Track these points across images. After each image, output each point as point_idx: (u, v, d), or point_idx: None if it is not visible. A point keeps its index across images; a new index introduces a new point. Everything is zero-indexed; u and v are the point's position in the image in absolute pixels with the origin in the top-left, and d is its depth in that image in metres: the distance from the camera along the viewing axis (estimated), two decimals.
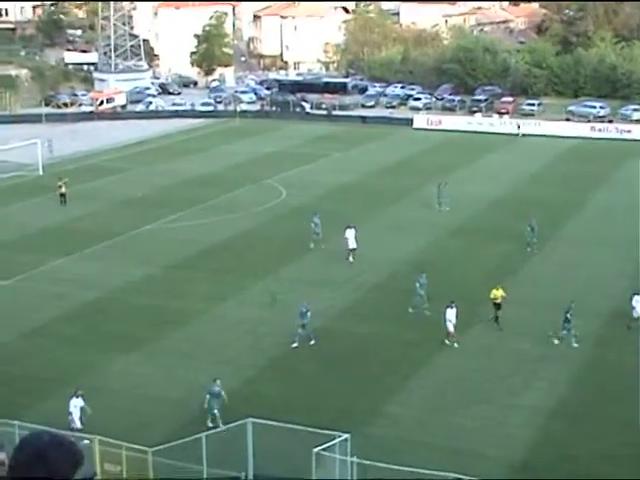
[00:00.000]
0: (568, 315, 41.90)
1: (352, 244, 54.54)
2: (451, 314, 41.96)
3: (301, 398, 37.08)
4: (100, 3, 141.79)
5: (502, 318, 44.23)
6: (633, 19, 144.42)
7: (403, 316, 46.11)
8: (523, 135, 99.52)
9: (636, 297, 43.94)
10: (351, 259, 54.45)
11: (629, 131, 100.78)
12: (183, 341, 43.26)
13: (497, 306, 44.42)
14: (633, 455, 32.58)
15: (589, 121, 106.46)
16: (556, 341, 42.12)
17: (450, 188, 67.37)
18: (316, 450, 28.77)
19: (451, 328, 41.91)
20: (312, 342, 42.38)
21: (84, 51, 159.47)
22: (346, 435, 29.58)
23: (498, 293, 44.49)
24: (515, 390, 37.98)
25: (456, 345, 41.90)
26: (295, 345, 42.10)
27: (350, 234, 54.57)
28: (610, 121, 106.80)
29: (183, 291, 50.28)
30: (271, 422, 31.44)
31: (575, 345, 41.82)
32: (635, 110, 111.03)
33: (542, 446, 33.38)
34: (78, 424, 33.00)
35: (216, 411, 33.88)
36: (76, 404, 33.41)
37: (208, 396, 34.20)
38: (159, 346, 42.65)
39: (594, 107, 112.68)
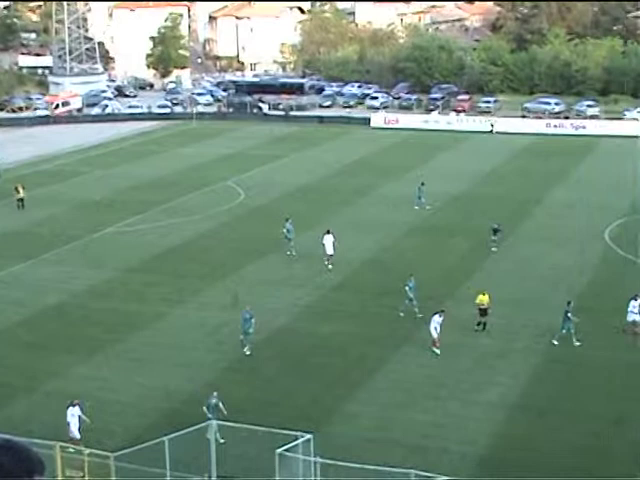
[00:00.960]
0: (568, 315, 41.51)
1: (330, 250, 53.64)
2: (437, 321, 41.07)
3: (263, 399, 37.02)
4: (54, 6, 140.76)
5: (467, 316, 44.20)
6: (586, 16, 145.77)
7: (364, 314, 46.20)
8: (496, 132, 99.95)
9: (632, 302, 42.60)
10: (329, 266, 53.26)
11: (584, 127, 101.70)
12: (144, 344, 43.06)
13: (483, 312, 43.52)
14: (596, 447, 32.85)
15: (539, 117, 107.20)
16: (555, 342, 41.63)
17: (414, 187, 67.52)
18: (279, 451, 28.75)
19: (434, 334, 40.96)
20: (247, 352, 41.47)
21: (38, 55, 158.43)
22: (309, 435, 29.58)
23: (484, 298, 43.61)
24: (478, 386, 38.12)
25: (437, 352, 40.99)
26: (246, 349, 41.53)
27: (328, 240, 53.74)
28: (566, 117, 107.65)
29: (143, 294, 50.08)
30: (233, 424, 31.40)
31: (577, 344, 41.38)
32: (589, 106, 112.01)
33: (506, 440, 33.54)
34: (77, 434, 32.60)
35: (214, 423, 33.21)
36: (73, 413, 32.93)
37: (204, 408, 33.57)
38: (120, 350, 42.42)
39: (549, 104, 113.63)
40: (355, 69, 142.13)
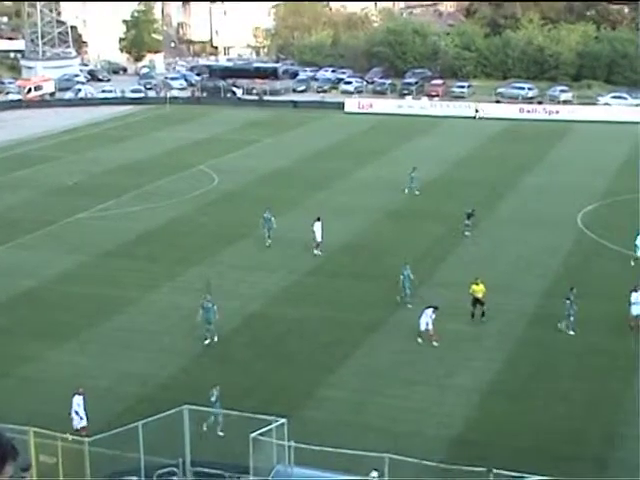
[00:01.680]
0: (567, 301, 41.13)
1: (319, 237, 52.95)
2: (430, 315, 40.30)
3: (237, 384, 37.07)
4: None
5: (440, 300, 44.09)
6: (559, 1, 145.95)
7: (338, 299, 46.29)
8: (480, 118, 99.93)
9: (634, 294, 41.90)
10: (319, 252, 52.73)
11: (557, 112, 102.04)
12: (118, 329, 43.00)
13: (477, 301, 42.89)
14: (569, 429, 33.13)
15: (507, 102, 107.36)
16: (568, 330, 41.27)
17: (388, 171, 67.59)
18: (253, 435, 28.82)
19: (422, 327, 40.38)
20: (215, 339, 41.19)
21: (10, 38, 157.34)
22: (283, 420, 29.66)
23: (478, 288, 43.00)
24: (451, 370, 38.31)
25: (435, 344, 40.33)
26: (208, 342, 41.00)
27: (318, 227, 53.00)
28: (539, 102, 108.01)
29: (117, 279, 49.95)
30: (207, 408, 31.46)
31: (571, 333, 41.17)
32: (562, 91, 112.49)
33: (479, 424, 33.76)
34: (84, 422, 32.28)
35: (220, 418, 32.84)
36: (79, 402, 32.54)
37: (213, 398, 32.87)
38: (94, 335, 42.35)
39: (523, 89, 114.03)
40: (329, 54, 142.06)
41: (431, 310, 40.64)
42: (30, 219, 61.58)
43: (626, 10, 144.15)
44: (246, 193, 68.00)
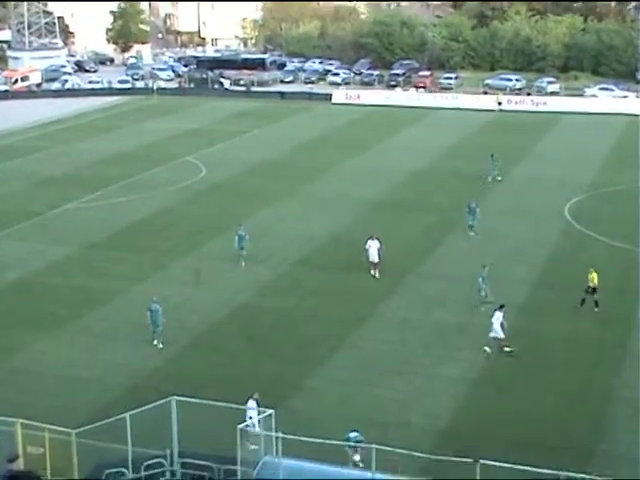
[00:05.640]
0: None
1: (374, 257, 48.19)
2: (499, 317, 38.75)
3: (225, 375, 37.05)
4: None
5: (428, 291, 44.31)
6: None
7: (326, 291, 46.28)
8: (501, 111, 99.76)
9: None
10: (377, 274, 47.99)
11: (544, 103, 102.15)
12: (105, 320, 42.91)
13: (592, 290, 42.43)
14: (557, 419, 33.19)
15: (495, 94, 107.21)
16: None
17: (377, 162, 67.40)
18: (241, 426, 28.82)
19: (501, 334, 38.66)
20: (160, 346, 39.85)
21: None
22: (270, 410, 29.64)
23: (591, 276, 42.43)
24: (439, 360, 38.32)
25: (509, 349, 38.71)
26: (161, 346, 39.87)
27: (373, 245, 48.33)
28: (527, 94, 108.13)
29: (104, 270, 49.85)
30: (195, 399, 31.40)
31: None
32: (550, 82, 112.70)
33: (467, 414, 33.79)
34: (258, 428, 30.23)
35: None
36: (253, 407, 30.92)
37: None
38: (81, 326, 42.25)
39: (510, 80, 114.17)
40: (317, 45, 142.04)
41: (498, 311, 39.04)
42: (17, 210, 61.40)
43: (613, 3, 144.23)
44: (234, 184, 67.91)
